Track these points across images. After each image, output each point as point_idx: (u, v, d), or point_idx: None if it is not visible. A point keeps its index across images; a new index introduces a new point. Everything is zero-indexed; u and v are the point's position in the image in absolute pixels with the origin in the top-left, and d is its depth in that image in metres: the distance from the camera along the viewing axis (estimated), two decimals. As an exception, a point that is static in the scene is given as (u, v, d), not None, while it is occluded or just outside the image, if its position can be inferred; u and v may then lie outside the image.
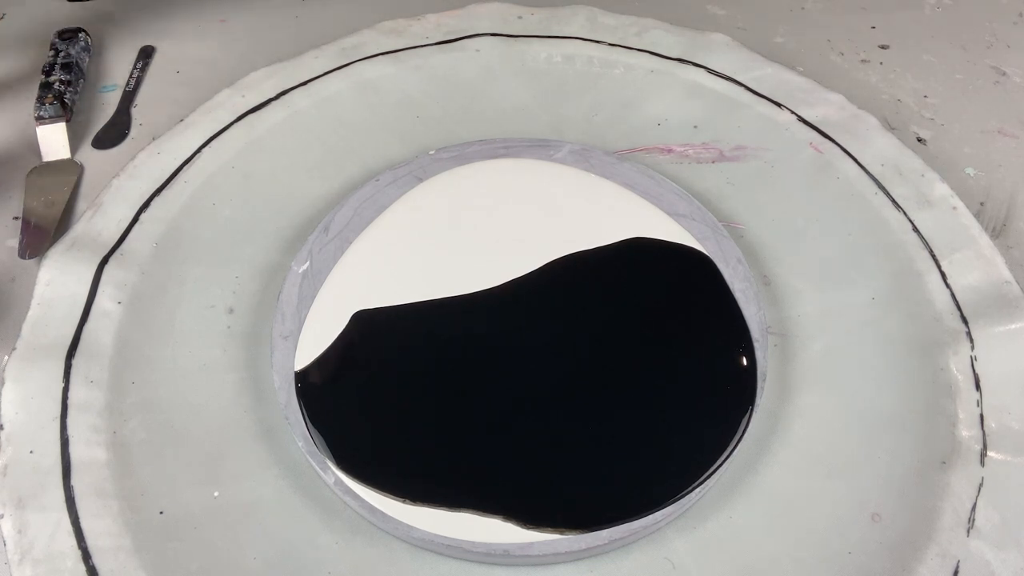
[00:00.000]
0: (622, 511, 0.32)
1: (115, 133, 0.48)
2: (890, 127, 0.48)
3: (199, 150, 0.44)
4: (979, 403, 0.35)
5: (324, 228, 0.41)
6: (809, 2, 0.58)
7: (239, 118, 0.46)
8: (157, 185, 0.42)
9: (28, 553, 0.30)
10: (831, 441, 0.35)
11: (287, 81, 0.48)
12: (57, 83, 0.47)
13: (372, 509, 0.32)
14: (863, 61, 0.53)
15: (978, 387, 0.36)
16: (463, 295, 0.38)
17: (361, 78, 0.48)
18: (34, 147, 0.46)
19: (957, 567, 0.31)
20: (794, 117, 0.47)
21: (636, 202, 0.42)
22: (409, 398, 0.35)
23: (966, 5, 0.58)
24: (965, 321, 0.38)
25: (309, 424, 0.34)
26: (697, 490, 0.32)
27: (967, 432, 0.35)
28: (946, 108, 0.50)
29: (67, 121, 0.47)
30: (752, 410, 0.35)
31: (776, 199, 0.44)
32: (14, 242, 0.41)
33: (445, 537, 0.31)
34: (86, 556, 0.31)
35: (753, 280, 0.39)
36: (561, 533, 0.31)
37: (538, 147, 0.45)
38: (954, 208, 0.42)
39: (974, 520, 0.32)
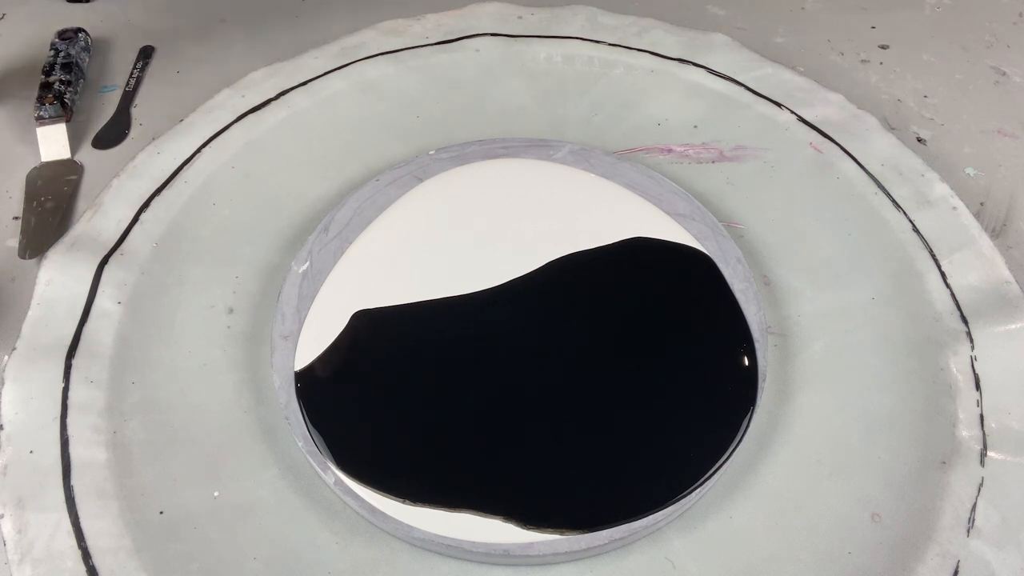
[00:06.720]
0: (622, 511, 0.32)
1: (115, 133, 0.48)
2: (890, 127, 0.48)
3: (199, 150, 0.44)
4: (979, 403, 0.35)
5: (324, 228, 0.41)
6: (809, 2, 0.58)
7: (239, 118, 0.46)
8: (157, 185, 0.42)
9: (28, 553, 0.30)
10: (831, 441, 0.35)
11: (287, 81, 0.48)
12: (57, 83, 0.47)
13: (372, 509, 0.32)
14: (863, 61, 0.53)
15: (978, 387, 0.36)
16: (463, 295, 0.38)
17: (361, 78, 0.48)
18: (34, 147, 0.46)
19: (957, 567, 0.31)
20: (794, 117, 0.47)
21: (636, 202, 0.42)
22: (409, 398, 0.35)
23: (966, 5, 0.58)
24: (965, 321, 0.38)
25: (309, 424, 0.34)
26: (697, 490, 0.32)
27: (967, 432, 0.35)
28: (946, 108, 0.50)
29: (67, 121, 0.47)
30: (752, 410, 0.35)
31: (776, 199, 0.44)
32: (14, 242, 0.41)
33: (445, 537, 0.31)
34: (86, 556, 0.31)
35: (753, 280, 0.39)
36: (561, 533, 0.31)
37: (538, 147, 0.45)
38: (954, 208, 0.42)
39: (974, 520, 0.32)
